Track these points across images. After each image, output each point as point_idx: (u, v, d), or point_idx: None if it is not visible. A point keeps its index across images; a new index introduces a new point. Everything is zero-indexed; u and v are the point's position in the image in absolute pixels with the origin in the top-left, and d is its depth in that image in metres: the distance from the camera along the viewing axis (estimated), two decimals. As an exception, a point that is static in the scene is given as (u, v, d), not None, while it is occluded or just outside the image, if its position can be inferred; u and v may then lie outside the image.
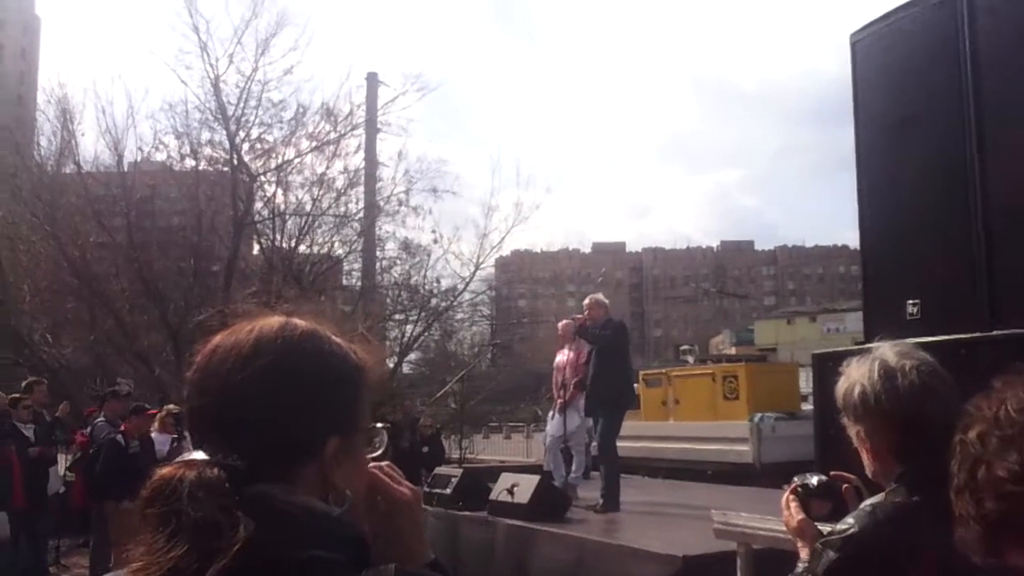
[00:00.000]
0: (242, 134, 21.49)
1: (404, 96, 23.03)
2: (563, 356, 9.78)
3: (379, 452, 1.28)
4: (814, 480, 2.16)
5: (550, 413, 10.25)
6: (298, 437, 1.11)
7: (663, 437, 18.53)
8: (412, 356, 25.80)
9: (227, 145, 21.35)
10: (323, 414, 1.13)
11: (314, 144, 22.18)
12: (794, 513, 2.12)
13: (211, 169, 22.29)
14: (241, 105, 21.22)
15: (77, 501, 10.82)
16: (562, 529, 7.50)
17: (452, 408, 24.31)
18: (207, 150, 21.79)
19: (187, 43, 21.15)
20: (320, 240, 22.95)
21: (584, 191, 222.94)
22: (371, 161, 23.16)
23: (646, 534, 7.12)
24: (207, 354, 1.15)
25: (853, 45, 5.22)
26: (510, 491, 8.10)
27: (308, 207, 22.28)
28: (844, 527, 1.90)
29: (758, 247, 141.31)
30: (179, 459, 1.08)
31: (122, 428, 9.56)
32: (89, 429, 10.82)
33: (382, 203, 23.04)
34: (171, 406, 11.03)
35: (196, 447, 1.09)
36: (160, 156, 22.52)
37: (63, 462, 11.54)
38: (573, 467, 9.61)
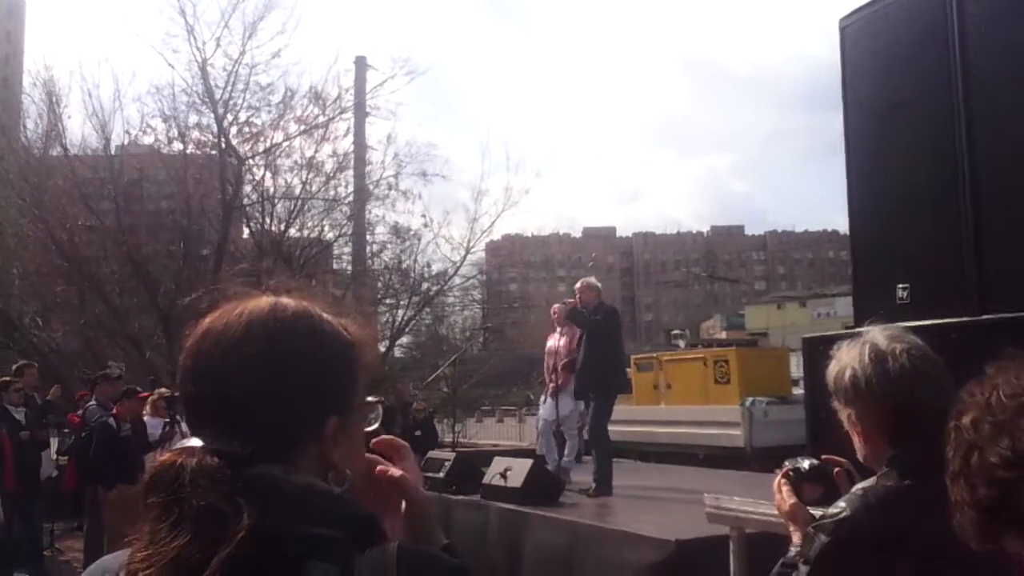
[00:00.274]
0: (230, 117, 21.52)
1: (393, 80, 23.07)
2: (555, 340, 9.78)
3: (374, 427, 1.28)
4: (805, 464, 2.17)
5: (542, 397, 10.26)
6: (296, 419, 1.10)
7: (654, 421, 18.58)
8: (403, 340, 25.88)
9: (215, 128, 21.35)
10: (320, 394, 1.13)
11: (303, 128, 22.20)
12: (786, 497, 2.13)
13: (199, 152, 22.25)
14: (229, 88, 21.23)
15: (69, 484, 10.84)
16: (555, 513, 7.51)
17: (444, 392, 24.34)
18: (195, 133, 21.79)
19: (174, 26, 21.12)
20: (310, 224, 23.01)
21: (574, 175, 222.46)
22: (360, 145, 23.14)
23: (639, 518, 7.13)
24: (198, 338, 1.14)
25: (842, 30, 5.21)
26: (503, 475, 8.12)
27: (297, 191, 22.34)
28: (836, 511, 1.91)
29: (748, 232, 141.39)
30: (178, 446, 1.07)
31: (114, 411, 9.56)
32: (81, 412, 10.82)
33: (372, 187, 23.08)
34: (163, 389, 11.04)
35: (194, 433, 1.09)
36: (148, 139, 22.55)
37: (54, 446, 11.53)
38: (566, 451, 9.62)
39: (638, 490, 9.14)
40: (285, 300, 1.17)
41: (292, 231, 22.49)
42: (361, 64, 23.53)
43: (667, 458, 16.24)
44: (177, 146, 22.13)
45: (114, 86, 31.03)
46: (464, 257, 23.77)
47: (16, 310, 21.46)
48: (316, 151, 22.37)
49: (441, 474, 8.82)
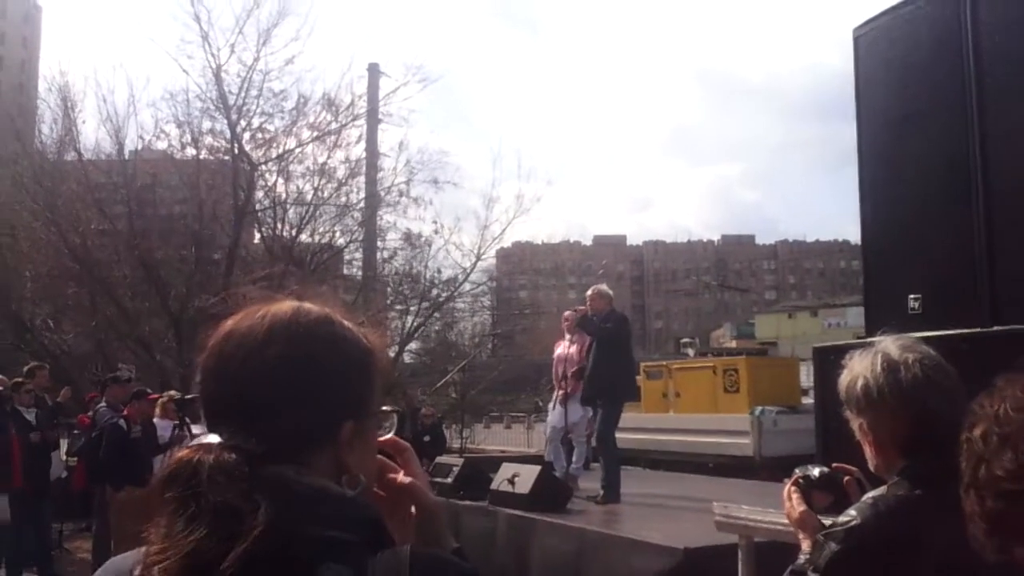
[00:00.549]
0: (243, 123, 21.47)
1: (405, 87, 23.02)
2: (565, 347, 9.77)
3: (388, 436, 1.29)
4: (816, 472, 2.16)
5: (551, 404, 10.25)
6: (314, 422, 1.11)
7: (663, 429, 18.53)
8: (413, 346, 25.86)
9: (228, 134, 21.34)
10: (338, 398, 1.14)
11: (315, 134, 22.16)
12: (796, 505, 2.12)
13: (212, 158, 22.23)
14: (242, 94, 21.20)
15: (79, 485, 10.87)
16: (563, 520, 7.51)
17: (453, 398, 24.33)
18: (208, 139, 21.77)
19: (189, 32, 21.15)
20: (321, 229, 22.99)
21: (585, 183, 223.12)
22: (372, 151, 23.15)
23: (647, 526, 7.12)
24: (221, 339, 1.15)
25: (856, 40, 5.21)
26: (511, 481, 8.11)
27: (309, 196, 22.31)
28: (846, 519, 1.91)
29: (759, 241, 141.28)
30: (195, 442, 1.08)
31: (124, 413, 9.59)
32: (91, 414, 10.86)
33: (383, 193, 23.07)
34: (172, 392, 11.07)
35: (211, 431, 1.10)
36: (161, 144, 22.49)
37: (64, 447, 11.57)
38: (574, 458, 9.62)
39: (646, 498, 9.12)
40: (307, 305, 1.18)
41: (303, 236, 22.51)
42: (374, 71, 23.57)
43: (676, 466, 16.21)
44: (190, 151, 22.14)
45: (128, 92, 31.12)
46: (474, 264, 23.76)
47: (28, 312, 21.54)
48: (328, 157, 22.37)
49: (449, 480, 8.82)
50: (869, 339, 2.63)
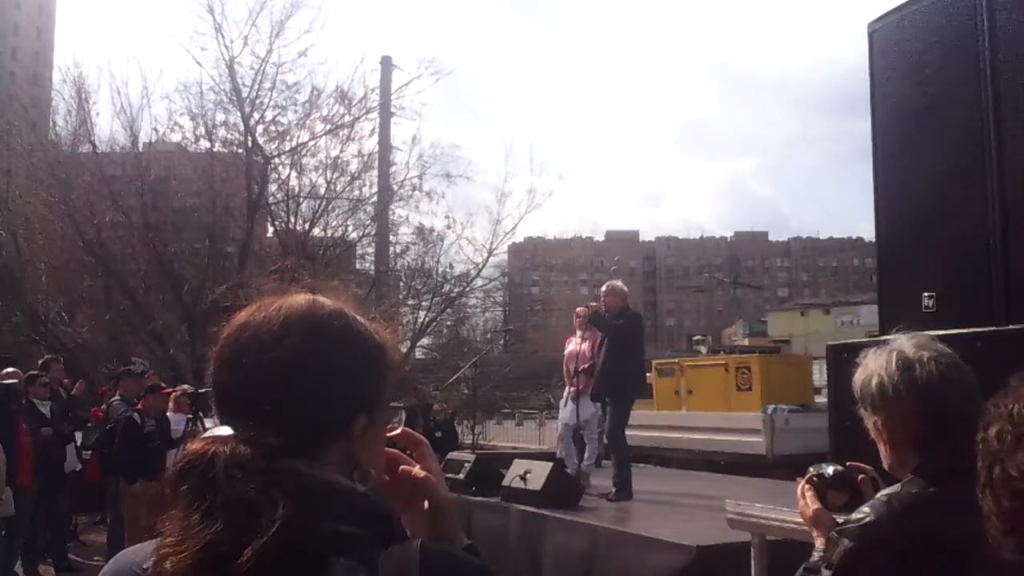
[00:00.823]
0: (256, 116, 21.56)
1: (418, 80, 23.01)
2: (576, 344, 9.75)
3: (402, 430, 1.30)
4: (830, 470, 2.16)
5: (563, 400, 10.24)
6: (327, 415, 1.11)
7: (676, 427, 18.49)
8: (425, 341, 25.87)
9: (241, 127, 21.41)
10: (351, 392, 1.14)
11: (328, 127, 22.22)
12: (809, 502, 2.12)
13: (225, 151, 22.31)
14: (255, 87, 21.30)
15: (92, 478, 10.94)
16: (575, 516, 7.51)
17: (465, 394, 24.33)
18: (221, 132, 21.84)
19: (202, 24, 21.34)
20: (334, 223, 23.04)
21: (598, 178, 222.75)
22: (385, 145, 23.17)
23: (659, 523, 7.11)
24: (235, 331, 1.15)
25: (871, 34, 5.17)
26: (523, 477, 8.12)
27: (322, 190, 22.37)
28: (860, 516, 1.90)
29: (772, 238, 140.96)
30: (208, 434, 1.08)
31: (138, 406, 9.64)
32: (105, 407, 10.91)
33: (396, 187, 23.07)
34: (186, 386, 11.11)
35: (223, 423, 1.10)
36: (175, 137, 22.65)
37: (78, 439, 11.63)
38: (586, 455, 9.61)
39: (658, 495, 9.11)
40: (322, 299, 1.19)
41: (316, 230, 22.56)
42: (387, 64, 23.57)
43: (688, 464, 16.18)
44: (204, 144, 22.23)
45: (142, 84, 31.35)
46: (487, 259, 23.73)
47: (43, 305, 21.65)
48: (341, 151, 22.42)
49: (461, 475, 8.83)
50: (883, 337, 2.62)
